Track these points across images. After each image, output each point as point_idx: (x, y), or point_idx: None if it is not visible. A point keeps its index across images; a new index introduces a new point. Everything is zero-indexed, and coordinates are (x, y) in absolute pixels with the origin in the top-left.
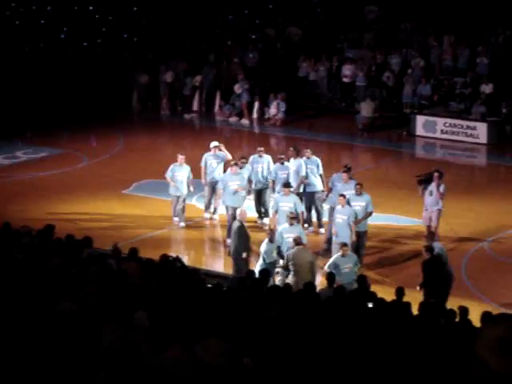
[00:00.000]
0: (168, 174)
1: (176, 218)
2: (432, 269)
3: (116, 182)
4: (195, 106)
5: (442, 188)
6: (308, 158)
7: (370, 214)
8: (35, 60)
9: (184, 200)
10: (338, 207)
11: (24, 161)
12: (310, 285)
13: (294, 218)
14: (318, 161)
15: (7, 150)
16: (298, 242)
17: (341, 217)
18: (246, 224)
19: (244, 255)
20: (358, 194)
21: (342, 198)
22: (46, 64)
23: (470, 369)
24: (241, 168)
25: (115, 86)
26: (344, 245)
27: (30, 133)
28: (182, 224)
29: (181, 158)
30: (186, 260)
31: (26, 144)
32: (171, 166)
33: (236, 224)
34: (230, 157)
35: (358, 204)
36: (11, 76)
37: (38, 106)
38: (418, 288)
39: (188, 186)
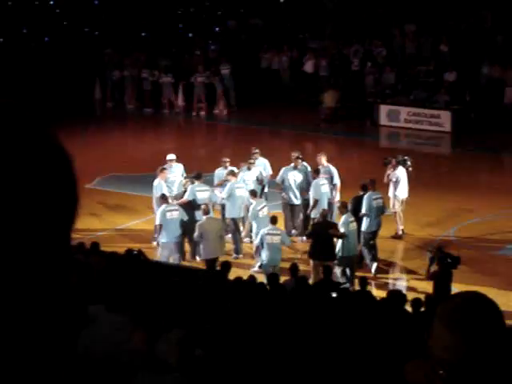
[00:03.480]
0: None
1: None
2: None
3: (79, 176)
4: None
5: (392, 175)
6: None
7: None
8: None
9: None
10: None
11: None
12: (274, 276)
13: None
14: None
15: None
16: (205, 211)
17: None
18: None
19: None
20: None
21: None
22: (7, 58)
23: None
24: (253, 162)
25: (77, 79)
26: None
27: None
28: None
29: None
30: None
31: None
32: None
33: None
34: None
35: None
36: None
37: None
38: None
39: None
